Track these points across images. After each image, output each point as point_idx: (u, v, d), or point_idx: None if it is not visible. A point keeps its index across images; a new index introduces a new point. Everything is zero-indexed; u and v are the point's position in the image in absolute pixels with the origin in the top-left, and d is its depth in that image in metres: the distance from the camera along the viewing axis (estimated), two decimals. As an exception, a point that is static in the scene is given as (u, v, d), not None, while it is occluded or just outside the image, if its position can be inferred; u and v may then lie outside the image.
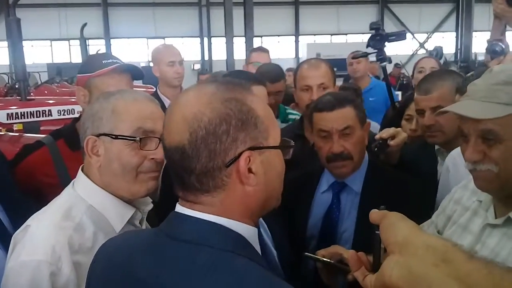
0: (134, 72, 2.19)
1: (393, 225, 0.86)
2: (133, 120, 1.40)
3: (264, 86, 2.24)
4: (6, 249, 1.45)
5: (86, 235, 1.35)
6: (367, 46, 3.75)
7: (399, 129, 2.12)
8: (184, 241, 0.95)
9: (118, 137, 1.39)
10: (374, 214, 0.92)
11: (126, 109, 1.42)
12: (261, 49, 4.41)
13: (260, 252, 1.05)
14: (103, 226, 1.39)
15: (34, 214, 1.40)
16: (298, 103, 2.61)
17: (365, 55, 4.25)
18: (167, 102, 3.47)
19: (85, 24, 9.71)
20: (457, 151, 1.99)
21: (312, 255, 1.47)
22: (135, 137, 1.39)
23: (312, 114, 1.97)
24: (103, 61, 2.11)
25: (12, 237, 1.36)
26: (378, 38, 3.59)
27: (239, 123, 0.95)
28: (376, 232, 0.90)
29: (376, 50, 3.69)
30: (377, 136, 2.06)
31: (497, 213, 1.34)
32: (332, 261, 1.48)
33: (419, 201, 1.91)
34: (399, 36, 3.71)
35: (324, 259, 1.48)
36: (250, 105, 0.98)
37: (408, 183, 1.98)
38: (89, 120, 1.44)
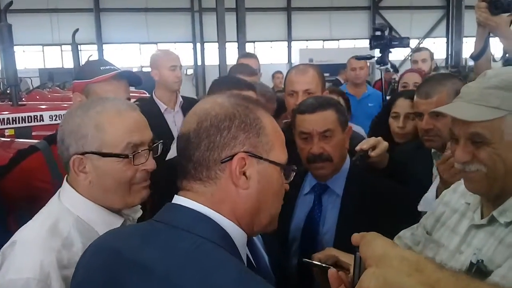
0: (131, 79, 2.22)
1: (371, 242, 0.93)
2: (121, 135, 1.37)
3: (253, 91, 2.28)
4: None
5: (74, 249, 1.32)
6: (372, 47, 3.75)
7: (379, 138, 2.13)
8: (172, 226, 1.01)
9: (108, 154, 1.36)
10: (354, 237, 0.99)
11: (111, 124, 1.37)
12: (248, 55, 4.51)
13: (245, 257, 1.10)
14: (90, 238, 1.32)
15: (21, 228, 1.37)
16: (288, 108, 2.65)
17: (370, 57, 4.23)
18: (163, 107, 3.51)
19: (76, 30, 9.71)
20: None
21: (310, 261, 1.50)
22: (127, 155, 1.37)
23: (295, 116, 2.01)
24: (100, 68, 2.13)
25: (0, 252, 1.33)
26: (383, 41, 3.60)
27: (242, 125, 1.03)
28: (357, 252, 0.96)
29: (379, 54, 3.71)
30: (357, 148, 2.08)
31: (484, 213, 1.38)
32: (331, 267, 1.47)
33: (400, 205, 1.92)
34: (402, 42, 3.72)
35: (323, 264, 1.51)
36: (259, 116, 1.07)
37: (388, 186, 2.00)
38: (71, 137, 1.38)
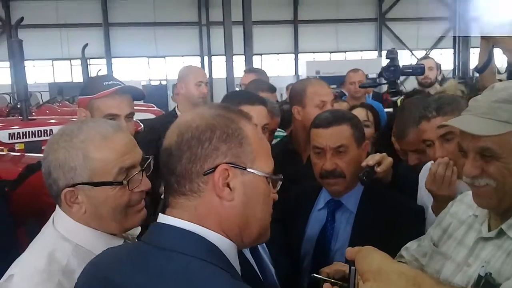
0: (134, 93, 2.21)
1: (367, 256, 0.93)
2: (111, 162, 1.31)
3: (264, 106, 2.27)
4: None
5: (75, 277, 1.23)
6: (379, 76, 3.62)
7: (384, 154, 2.10)
8: (160, 248, 0.99)
9: (101, 184, 1.31)
10: (349, 251, 0.99)
11: (99, 152, 1.31)
12: (252, 70, 4.50)
13: (239, 270, 1.07)
14: None
15: (17, 259, 1.31)
16: (305, 120, 2.56)
17: (375, 85, 4.04)
18: None
19: (86, 45, 9.84)
20: (431, 163, 1.97)
21: (319, 276, 1.47)
22: (121, 182, 1.32)
23: (310, 129, 1.98)
24: (104, 83, 2.13)
25: None
26: (393, 68, 3.35)
27: (224, 136, 1.01)
28: (352, 267, 0.97)
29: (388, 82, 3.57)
30: (363, 164, 2.02)
31: (491, 226, 1.37)
32: (339, 282, 1.47)
33: (414, 225, 1.88)
34: (416, 70, 3.41)
35: (333, 280, 1.48)
36: (241, 126, 1.04)
37: (403, 204, 1.96)
38: (58, 171, 1.31)
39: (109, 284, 1.00)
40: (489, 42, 2.71)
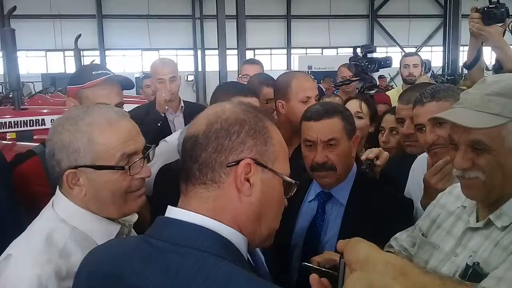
0: (124, 83, 2.21)
1: (355, 246, 0.94)
2: (114, 146, 1.33)
3: (257, 98, 2.27)
4: None
5: (72, 260, 1.27)
6: (357, 71, 3.68)
7: (380, 149, 2.16)
8: (172, 244, 0.97)
9: (103, 167, 1.33)
10: (340, 243, 1.00)
11: (103, 136, 1.33)
12: (252, 61, 4.39)
13: (248, 259, 1.08)
14: (89, 247, 1.27)
15: (15, 240, 1.33)
16: (289, 114, 2.58)
17: (348, 82, 4.23)
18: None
19: (79, 35, 9.77)
20: (424, 155, 2.04)
21: (310, 264, 1.47)
22: (123, 167, 1.34)
23: (301, 122, 1.99)
24: (93, 72, 2.11)
25: None
26: (368, 63, 3.57)
27: (251, 131, 1.03)
28: (341, 258, 0.98)
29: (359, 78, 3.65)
30: (363, 157, 2.08)
31: (479, 217, 1.38)
32: (329, 270, 1.46)
33: (403, 217, 1.90)
34: (385, 61, 3.66)
35: (322, 268, 1.48)
36: (267, 126, 1.06)
37: (393, 197, 1.98)
38: (62, 152, 1.33)
39: (118, 280, 0.99)
40: (478, 39, 2.73)
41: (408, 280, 0.83)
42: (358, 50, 3.82)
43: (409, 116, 2.18)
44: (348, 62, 5.22)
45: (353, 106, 2.81)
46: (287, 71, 2.98)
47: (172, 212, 1.04)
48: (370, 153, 2.11)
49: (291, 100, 2.56)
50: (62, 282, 1.23)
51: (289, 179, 1.09)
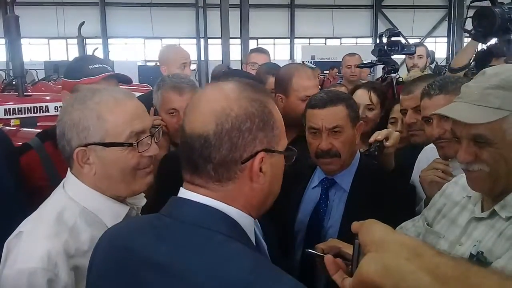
0: (121, 79, 2.19)
1: (370, 228, 0.94)
2: (122, 124, 1.36)
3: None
4: None
5: (81, 238, 1.32)
6: (379, 55, 3.75)
7: (390, 129, 2.15)
8: (183, 221, 1.01)
9: (112, 144, 1.35)
10: (354, 225, 1.00)
11: (112, 114, 1.36)
12: (260, 50, 4.36)
13: (253, 238, 1.10)
14: (98, 227, 1.34)
15: (26, 218, 1.37)
16: (287, 109, 2.55)
17: (371, 65, 4.22)
18: None
19: (82, 23, 9.78)
20: (430, 146, 2.05)
21: (313, 251, 1.47)
22: (131, 143, 1.37)
23: (306, 109, 2.01)
24: (90, 67, 2.08)
25: (5, 244, 1.33)
26: (391, 47, 3.60)
27: (261, 124, 1.02)
28: (356, 239, 0.97)
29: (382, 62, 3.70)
30: (371, 139, 2.08)
31: (484, 207, 1.39)
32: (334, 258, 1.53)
33: (406, 202, 1.93)
34: (409, 48, 3.77)
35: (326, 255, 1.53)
36: (271, 109, 1.06)
37: (397, 184, 2.00)
38: (72, 131, 1.36)
39: (130, 253, 1.02)
40: (475, 46, 2.70)
41: (422, 260, 0.82)
42: (383, 36, 3.90)
43: (411, 106, 2.20)
44: (352, 52, 5.26)
45: (363, 98, 2.79)
46: (290, 63, 2.93)
47: (183, 192, 1.06)
48: (379, 135, 2.09)
49: (291, 97, 2.56)
50: (70, 260, 1.27)
51: (291, 152, 1.12)
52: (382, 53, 3.84)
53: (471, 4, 3.18)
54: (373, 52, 4.02)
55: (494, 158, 1.26)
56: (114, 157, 1.37)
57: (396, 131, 2.53)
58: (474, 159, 1.29)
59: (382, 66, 4.01)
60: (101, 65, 2.12)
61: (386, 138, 2.08)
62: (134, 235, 1.07)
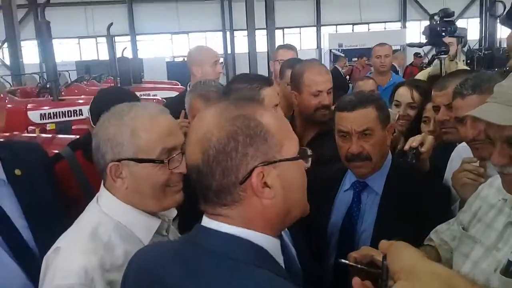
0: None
1: (399, 253, 0.91)
2: (155, 141, 1.39)
3: (275, 86, 2.24)
4: (23, 265, 1.56)
5: (116, 253, 1.35)
6: (430, 35, 3.72)
7: (423, 134, 2.11)
8: (209, 252, 0.99)
9: (144, 160, 1.38)
10: (383, 244, 0.98)
11: (146, 130, 1.38)
12: (287, 47, 4.34)
13: (283, 263, 1.07)
14: (131, 241, 1.38)
15: (63, 234, 1.40)
16: (301, 106, 2.62)
17: (421, 45, 4.23)
18: None
19: (111, 24, 9.92)
20: (463, 145, 1.99)
21: (345, 261, 1.46)
22: (162, 160, 1.39)
23: (335, 112, 1.97)
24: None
25: (44, 258, 1.36)
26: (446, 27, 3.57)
27: (247, 139, 0.97)
28: (384, 262, 0.95)
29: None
30: (406, 147, 2.03)
31: None
32: (365, 267, 1.47)
33: (441, 204, 1.90)
34: (462, 31, 3.71)
35: (358, 265, 1.46)
36: (260, 120, 1.00)
37: (430, 185, 1.97)
38: (107, 145, 1.40)
39: (159, 279, 1.03)
40: None
41: None
42: (436, 17, 3.84)
43: (443, 103, 2.15)
44: (382, 42, 5.17)
45: (405, 96, 2.75)
46: (304, 61, 2.92)
47: (206, 221, 1.05)
48: (413, 141, 2.04)
49: (303, 93, 2.57)
50: (106, 275, 1.30)
51: (301, 156, 1.06)
52: (434, 34, 3.74)
53: None
54: (424, 33, 3.94)
55: None
56: (145, 172, 1.39)
57: (428, 130, 2.51)
58: (509, 161, 1.25)
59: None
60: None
61: (421, 144, 2.04)
62: (162, 262, 1.08)
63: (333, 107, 2.26)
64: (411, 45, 4.56)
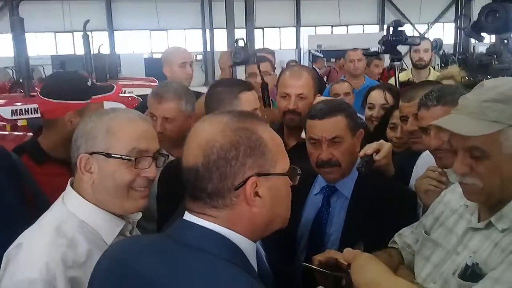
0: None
1: (363, 266, 0.96)
2: (128, 140, 1.43)
3: (254, 91, 2.24)
4: None
5: (78, 251, 1.36)
6: (383, 44, 4.02)
7: (381, 141, 2.10)
8: (187, 245, 1.05)
9: (113, 156, 1.41)
10: (347, 253, 1.02)
11: (121, 129, 1.44)
12: (266, 51, 4.46)
13: (256, 267, 1.14)
14: (95, 241, 1.41)
15: (25, 230, 1.41)
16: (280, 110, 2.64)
17: (376, 53, 4.50)
18: None
19: (87, 21, 9.79)
20: (427, 152, 2.04)
21: (309, 265, 1.51)
22: (130, 157, 1.42)
23: (306, 120, 2.00)
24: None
25: (4, 255, 1.37)
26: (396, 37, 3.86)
27: (248, 150, 1.06)
28: (348, 271, 0.99)
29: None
30: (360, 154, 2.02)
31: (481, 217, 1.40)
32: (329, 272, 1.50)
33: (407, 208, 1.94)
34: (414, 40, 4.06)
35: (321, 269, 1.50)
36: (260, 135, 1.09)
37: (397, 190, 2.01)
38: (82, 138, 1.45)
39: (134, 274, 1.06)
40: None
41: None
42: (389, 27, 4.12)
43: (412, 113, 2.18)
44: (355, 48, 5.30)
45: (378, 98, 2.80)
46: (292, 64, 2.95)
47: (189, 216, 1.11)
48: (368, 148, 2.03)
49: (277, 95, 2.62)
50: (68, 271, 1.32)
51: (292, 172, 1.14)
52: (388, 43, 4.04)
53: None
54: (379, 43, 4.21)
55: (489, 171, 1.28)
56: (112, 168, 1.42)
57: (395, 137, 2.57)
58: (470, 171, 1.30)
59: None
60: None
61: (377, 151, 2.03)
62: (138, 255, 1.11)
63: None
64: (367, 53, 4.89)
